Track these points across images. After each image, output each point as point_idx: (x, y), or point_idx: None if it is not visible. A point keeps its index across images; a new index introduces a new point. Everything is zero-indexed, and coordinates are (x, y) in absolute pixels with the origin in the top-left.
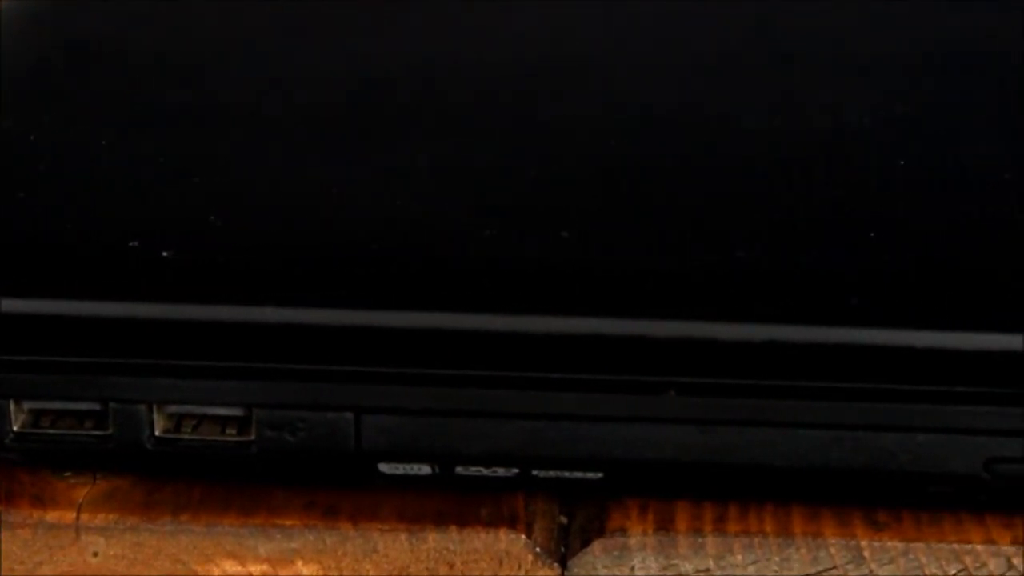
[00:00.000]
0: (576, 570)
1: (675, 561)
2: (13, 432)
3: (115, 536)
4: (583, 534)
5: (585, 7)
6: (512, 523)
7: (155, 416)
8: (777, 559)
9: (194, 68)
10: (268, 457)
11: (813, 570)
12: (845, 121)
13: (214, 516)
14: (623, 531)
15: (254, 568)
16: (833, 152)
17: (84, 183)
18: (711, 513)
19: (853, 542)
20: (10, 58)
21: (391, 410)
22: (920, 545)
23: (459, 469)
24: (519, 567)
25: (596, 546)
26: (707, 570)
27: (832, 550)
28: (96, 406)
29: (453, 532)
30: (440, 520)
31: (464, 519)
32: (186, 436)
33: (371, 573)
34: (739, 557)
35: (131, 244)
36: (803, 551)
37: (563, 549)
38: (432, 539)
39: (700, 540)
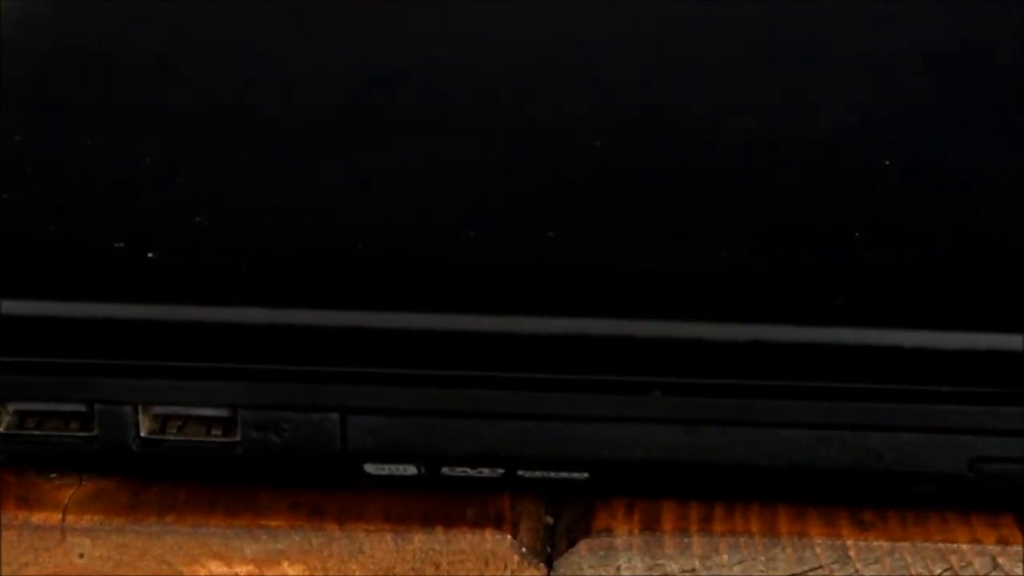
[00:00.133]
0: (562, 570)
1: (661, 561)
2: None
3: (101, 537)
4: (569, 534)
5: (571, 8)
6: (498, 523)
7: (140, 417)
8: (763, 559)
9: (177, 69)
10: (254, 458)
11: (799, 570)
12: (829, 122)
13: (200, 517)
14: (609, 531)
15: (240, 569)
16: (816, 152)
17: (70, 184)
18: (697, 513)
19: (839, 542)
20: None
21: (377, 410)
22: (906, 544)
23: (445, 469)
24: (505, 567)
25: (582, 546)
26: (693, 570)
27: (818, 550)
28: (82, 407)
29: (439, 533)
30: (426, 521)
31: (450, 520)
32: (171, 437)
33: (357, 574)
34: (725, 557)
35: (116, 245)
36: (789, 551)
37: (549, 549)
38: (418, 540)
39: (686, 540)
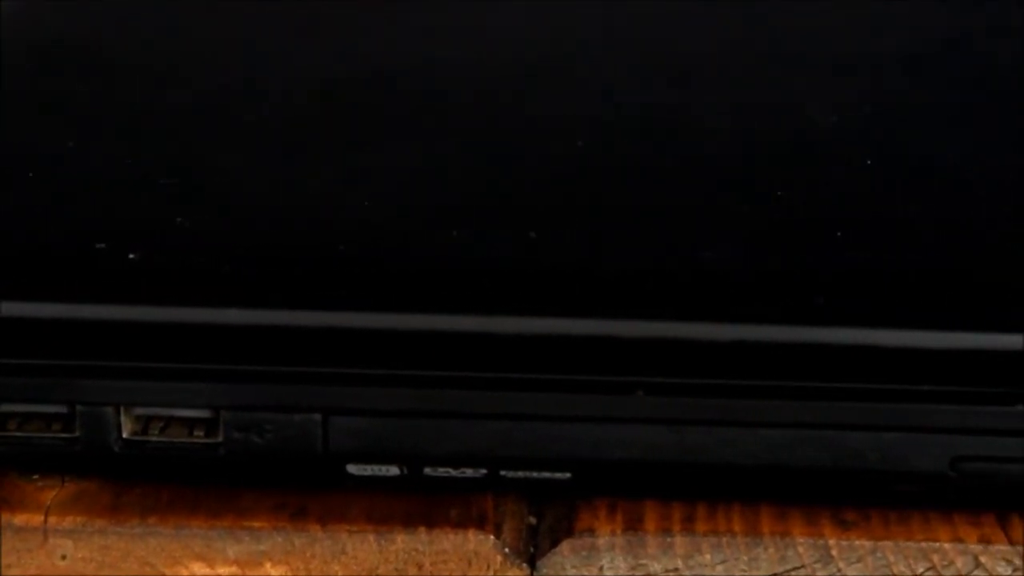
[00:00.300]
0: (545, 570)
1: (644, 561)
2: None
3: (83, 539)
4: (552, 534)
5: (552, 10)
6: (481, 524)
7: (122, 418)
8: (745, 558)
9: (158, 69)
10: (236, 459)
11: (781, 569)
12: (811, 122)
13: (182, 518)
14: (592, 531)
15: (223, 570)
16: (797, 153)
17: (50, 185)
18: (679, 513)
19: (821, 541)
20: None
21: (359, 411)
22: (888, 544)
23: (427, 470)
24: (488, 567)
25: (565, 546)
26: (676, 570)
27: (800, 549)
28: (63, 409)
29: (422, 533)
30: (409, 521)
31: (433, 520)
32: (154, 438)
33: (340, 574)
34: (707, 556)
35: (98, 246)
36: (771, 550)
37: (532, 549)
38: (401, 540)
39: (669, 540)
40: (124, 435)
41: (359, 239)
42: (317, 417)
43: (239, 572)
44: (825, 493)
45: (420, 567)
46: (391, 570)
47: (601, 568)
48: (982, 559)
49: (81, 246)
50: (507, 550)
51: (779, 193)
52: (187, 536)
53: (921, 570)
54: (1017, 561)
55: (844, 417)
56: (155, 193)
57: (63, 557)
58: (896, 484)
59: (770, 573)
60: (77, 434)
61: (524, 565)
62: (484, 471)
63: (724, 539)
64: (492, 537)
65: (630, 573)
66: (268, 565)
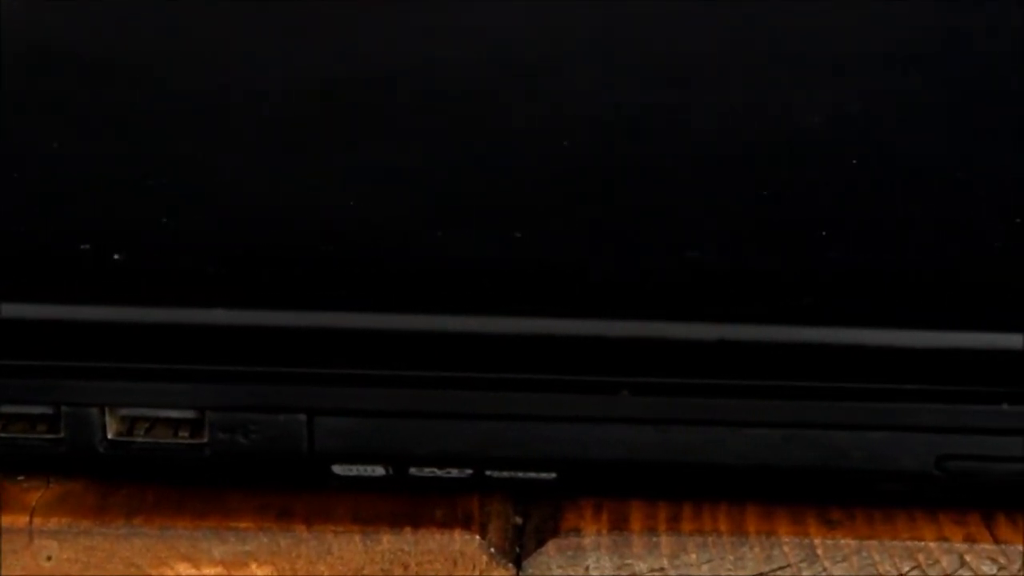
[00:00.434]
0: (531, 570)
1: (629, 561)
2: None
3: (68, 540)
4: (538, 534)
5: (537, 10)
6: (467, 524)
7: (107, 419)
8: (731, 558)
9: (143, 70)
10: (221, 460)
11: (767, 568)
12: (795, 121)
13: (168, 519)
14: (577, 531)
15: (208, 571)
16: (781, 152)
17: (35, 186)
18: (665, 513)
19: (807, 540)
20: None
21: (344, 412)
22: (873, 543)
23: (413, 470)
24: (474, 568)
25: (551, 546)
26: (662, 569)
27: (786, 548)
28: (48, 410)
29: (408, 533)
30: (394, 521)
31: (418, 520)
32: (139, 439)
33: (325, 575)
34: (693, 556)
35: (83, 247)
36: (757, 550)
37: (518, 549)
38: (386, 540)
39: (654, 539)
40: (109, 436)
41: (344, 240)
42: (302, 418)
43: (225, 573)
44: (811, 492)
45: (406, 567)
46: (377, 570)
47: (587, 568)
48: (967, 558)
49: (65, 247)
50: (493, 550)
51: (764, 193)
52: (173, 537)
53: (906, 569)
54: (1002, 560)
55: (829, 416)
56: (140, 194)
57: (48, 558)
58: (881, 483)
59: (756, 572)
60: (62, 435)
61: (510, 565)
62: (470, 471)
63: (710, 539)
64: (478, 537)
65: (616, 573)
66: (254, 566)
